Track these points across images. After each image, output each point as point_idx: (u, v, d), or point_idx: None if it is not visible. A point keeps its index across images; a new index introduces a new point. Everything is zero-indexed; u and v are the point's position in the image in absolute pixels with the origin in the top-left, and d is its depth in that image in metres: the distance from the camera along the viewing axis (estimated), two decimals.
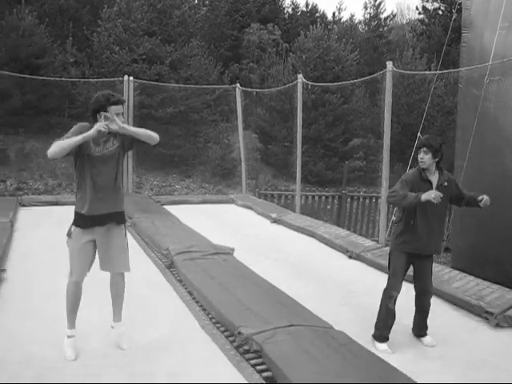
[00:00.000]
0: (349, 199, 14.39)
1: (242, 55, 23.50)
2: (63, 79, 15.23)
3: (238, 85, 13.47)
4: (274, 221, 9.89)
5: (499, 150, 8.57)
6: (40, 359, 3.95)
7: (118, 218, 4.43)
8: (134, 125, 12.23)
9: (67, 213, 4.47)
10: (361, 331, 4.82)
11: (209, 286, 5.41)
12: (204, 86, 16.78)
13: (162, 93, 16.38)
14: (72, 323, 4.34)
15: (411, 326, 5.03)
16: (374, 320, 5.09)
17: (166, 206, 10.75)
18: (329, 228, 9.23)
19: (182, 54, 18.02)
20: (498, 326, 5.22)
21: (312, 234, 8.76)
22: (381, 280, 5.59)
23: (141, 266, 6.41)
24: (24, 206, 10.03)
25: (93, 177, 4.24)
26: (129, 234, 7.39)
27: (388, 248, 7.40)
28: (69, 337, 4.30)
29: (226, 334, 4.41)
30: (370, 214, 14.46)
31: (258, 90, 18.30)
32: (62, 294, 4.41)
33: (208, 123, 18.61)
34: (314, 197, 14.45)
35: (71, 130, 4.22)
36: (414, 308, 5.20)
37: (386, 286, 5.07)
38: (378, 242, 8.52)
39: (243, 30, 23.63)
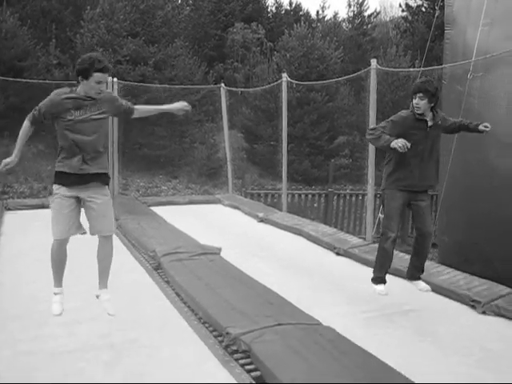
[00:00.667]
0: (335, 197, 14.42)
1: (226, 55, 23.48)
2: (47, 81, 15.12)
3: (222, 84, 13.46)
4: (261, 220, 9.89)
5: (483, 145, 8.62)
6: (26, 358, 3.92)
7: (102, 179, 4.37)
8: (119, 125, 12.24)
9: None
10: (350, 325, 4.82)
11: (196, 287, 5.40)
12: (189, 86, 16.75)
13: (147, 93, 16.33)
14: (58, 282, 4.41)
15: (406, 325, 5.05)
16: (364, 313, 5.14)
17: (152, 207, 10.73)
18: (316, 226, 9.24)
19: (165, 55, 17.97)
20: (484, 313, 5.30)
21: (299, 232, 8.77)
22: (368, 274, 5.62)
23: (128, 268, 6.39)
24: (9, 209, 9.97)
25: (75, 140, 4.18)
26: (115, 236, 7.39)
27: (376, 245, 7.47)
28: (55, 294, 4.39)
29: (214, 334, 4.40)
30: (357, 211, 14.49)
31: (242, 89, 18.29)
32: (50, 297, 4.40)
33: (193, 123, 18.57)
34: (300, 195, 14.47)
35: (44, 102, 4.28)
36: (412, 250, 5.31)
37: (382, 229, 5.20)
38: (365, 239, 8.54)
39: (227, 29, 23.60)
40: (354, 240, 8.25)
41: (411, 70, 16.28)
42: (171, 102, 15.80)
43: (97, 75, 4.12)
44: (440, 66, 10.76)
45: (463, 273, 6.37)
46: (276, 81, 12.72)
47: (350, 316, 5.21)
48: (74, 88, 4.27)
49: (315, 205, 14.64)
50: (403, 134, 4.89)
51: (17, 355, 3.99)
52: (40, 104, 4.25)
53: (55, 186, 4.31)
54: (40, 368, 3.80)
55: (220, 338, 4.27)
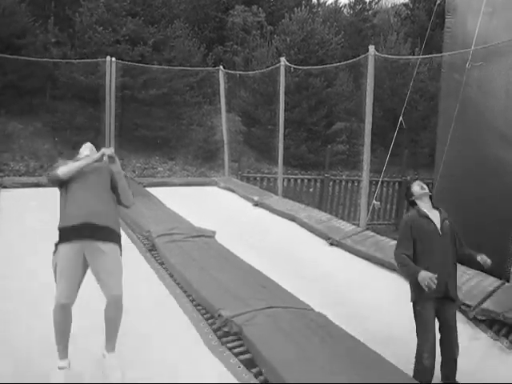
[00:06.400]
0: (331, 182, 14.46)
1: (226, 37, 23.31)
2: (45, 59, 15.06)
3: (221, 67, 13.42)
4: (256, 204, 9.90)
5: (480, 135, 8.64)
6: (20, 339, 3.94)
7: (107, 235, 3.97)
8: (117, 106, 12.25)
9: (49, 195, 4.43)
10: (340, 312, 4.85)
11: (190, 269, 5.43)
12: (187, 68, 16.68)
13: (145, 74, 16.27)
14: (63, 352, 3.73)
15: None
16: (354, 302, 5.14)
17: (148, 188, 10.73)
18: (310, 212, 9.25)
19: (165, 36, 17.87)
20: (475, 319, 5.28)
21: (293, 219, 8.77)
22: (359, 266, 5.63)
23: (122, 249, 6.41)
24: (5, 187, 9.93)
25: (76, 188, 4.00)
26: None
27: (368, 232, 7.52)
28: (60, 368, 3.68)
29: (206, 316, 4.43)
30: (352, 197, 14.54)
31: (241, 72, 18.23)
32: (44, 274, 4.41)
33: (191, 105, 18.50)
34: (296, 180, 14.51)
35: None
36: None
37: (418, 347, 4.35)
38: (358, 225, 8.57)
39: (228, 11, 23.43)
40: (348, 227, 8.25)
41: (410, 57, 16.23)
42: (170, 82, 15.74)
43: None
44: (438, 55, 10.75)
45: None
46: (275, 65, 12.67)
47: (340, 304, 5.26)
48: None
49: (311, 190, 14.68)
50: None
51: (8, 335, 4.01)
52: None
53: (56, 247, 3.93)
54: (31, 348, 3.83)
55: (211, 320, 4.30)
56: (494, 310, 5.24)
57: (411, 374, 3.72)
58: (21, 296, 4.92)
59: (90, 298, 4.00)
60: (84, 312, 3.93)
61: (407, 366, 3.73)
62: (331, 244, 7.63)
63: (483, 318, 5.26)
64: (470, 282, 5.85)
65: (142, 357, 3.80)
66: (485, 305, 5.37)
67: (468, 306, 5.40)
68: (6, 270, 5.60)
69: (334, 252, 7.40)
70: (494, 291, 5.60)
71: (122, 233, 7.07)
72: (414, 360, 4.08)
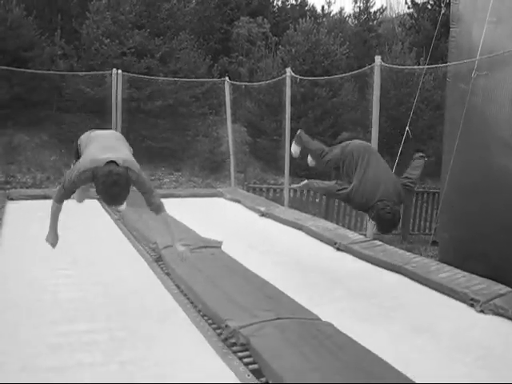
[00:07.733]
0: None
1: (231, 48, 23.45)
2: (51, 72, 15.15)
3: (226, 78, 13.47)
4: (263, 214, 9.89)
5: (486, 144, 8.63)
6: (25, 346, 3.95)
7: None
8: (123, 118, 12.28)
9: None
10: (348, 321, 4.82)
11: (196, 279, 5.42)
12: (193, 80, 16.77)
13: (151, 86, 16.36)
14: None
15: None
16: (363, 309, 5.13)
17: None
18: (317, 221, 9.24)
19: (170, 48, 17.99)
20: (482, 312, 5.28)
21: (300, 227, 8.77)
22: (368, 270, 5.59)
23: (128, 260, 6.43)
24: (12, 199, 9.95)
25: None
26: (117, 228, 7.43)
27: (376, 241, 7.50)
28: None
29: (213, 326, 4.42)
30: None
31: (246, 83, 18.29)
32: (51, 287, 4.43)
33: (197, 116, 18.60)
34: (302, 190, 14.48)
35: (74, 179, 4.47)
36: None
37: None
38: (365, 235, 8.56)
39: (233, 23, 23.58)
40: (355, 236, 8.24)
41: (415, 67, 16.25)
42: (176, 94, 15.86)
43: None
44: (444, 65, 10.76)
45: (462, 271, 6.37)
46: (280, 75, 12.70)
47: (348, 312, 5.23)
48: None
49: (317, 200, 14.66)
50: None
51: (16, 344, 4.02)
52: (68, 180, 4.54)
53: None
54: (39, 357, 3.83)
55: (219, 331, 4.29)
56: (504, 307, 5.22)
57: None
58: (21, 296, 4.94)
59: None
60: None
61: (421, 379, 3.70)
62: (338, 249, 7.60)
63: (491, 313, 5.23)
64: (480, 285, 5.79)
65: (148, 364, 3.79)
66: (494, 301, 5.35)
67: (476, 301, 5.38)
68: (7, 272, 5.64)
69: (341, 256, 7.37)
70: (505, 294, 5.56)
71: (129, 245, 7.16)
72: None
